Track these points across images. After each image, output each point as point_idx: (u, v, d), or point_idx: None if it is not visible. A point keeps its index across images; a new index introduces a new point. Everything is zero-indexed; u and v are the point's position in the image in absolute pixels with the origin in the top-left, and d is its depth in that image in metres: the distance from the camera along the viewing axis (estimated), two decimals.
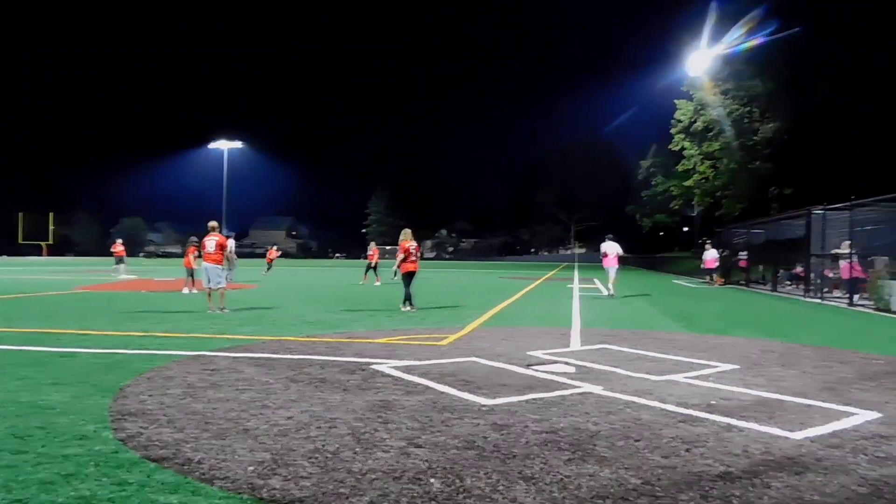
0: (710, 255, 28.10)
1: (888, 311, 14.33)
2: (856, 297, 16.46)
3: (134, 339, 8.61)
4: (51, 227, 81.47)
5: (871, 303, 15.58)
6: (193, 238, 17.30)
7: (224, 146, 68.86)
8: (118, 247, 28.56)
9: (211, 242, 12.22)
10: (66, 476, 3.39)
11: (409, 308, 13.28)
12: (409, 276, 13.52)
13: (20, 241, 78.57)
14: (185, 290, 17.34)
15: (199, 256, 13.97)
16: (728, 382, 6.15)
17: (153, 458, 3.69)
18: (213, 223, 12.59)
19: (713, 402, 5.29)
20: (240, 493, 3.20)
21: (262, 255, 40.68)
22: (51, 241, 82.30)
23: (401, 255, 13.51)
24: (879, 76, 31.57)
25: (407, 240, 13.62)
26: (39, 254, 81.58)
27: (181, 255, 21.05)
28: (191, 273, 17.65)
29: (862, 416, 4.90)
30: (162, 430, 4.26)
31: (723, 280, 28.35)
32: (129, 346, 7.95)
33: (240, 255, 27.65)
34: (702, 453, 3.93)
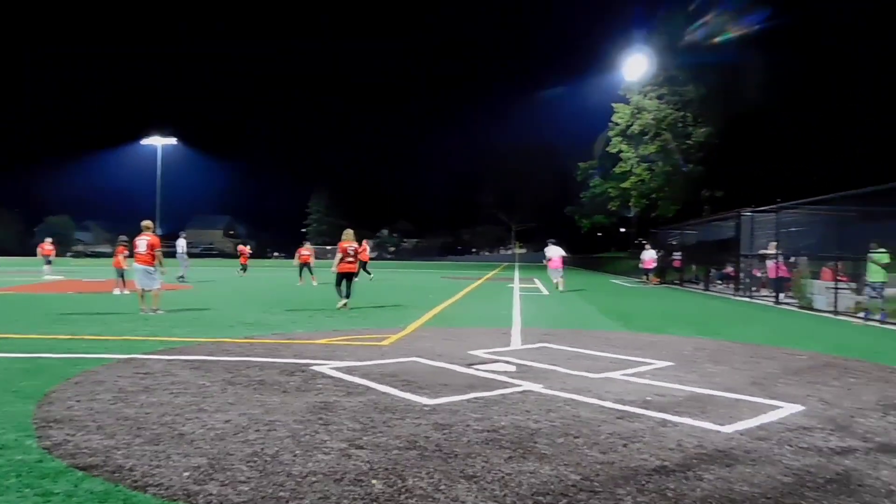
0: (649, 256, 28.89)
1: (810, 308, 15.04)
2: (781, 295, 17.22)
3: (60, 342, 8.24)
4: None
5: (796, 301, 16.33)
6: (123, 238, 16.68)
7: (158, 142, 66.67)
8: (47, 246, 27.38)
9: (142, 243, 11.78)
10: None
11: (342, 303, 13.26)
12: (344, 276, 13.52)
13: None
14: (116, 292, 16.72)
15: (130, 256, 13.47)
16: (663, 379, 6.33)
17: (81, 467, 3.54)
18: (146, 222, 12.15)
19: (649, 399, 5.44)
20: (175, 500, 3.10)
21: (198, 256, 39.56)
22: None
23: (339, 255, 13.53)
24: (799, 80, 33.14)
25: (346, 240, 13.67)
26: None
27: (111, 255, 20.25)
28: (121, 274, 17.03)
29: (787, 409, 5.13)
30: (91, 437, 4.08)
31: (658, 280, 29.10)
32: (54, 349, 7.60)
33: (189, 255, 26.87)
34: (638, 448, 4.04)
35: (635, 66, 40.56)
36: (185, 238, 25.99)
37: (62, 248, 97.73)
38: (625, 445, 4.10)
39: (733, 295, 20.71)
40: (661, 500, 3.18)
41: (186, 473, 3.46)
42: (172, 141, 67.52)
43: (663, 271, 29.72)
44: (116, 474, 3.44)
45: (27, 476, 3.40)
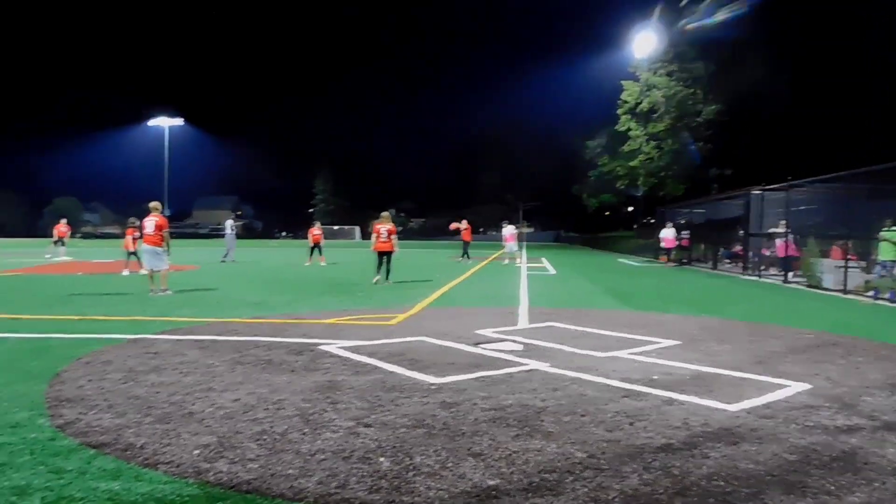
0: (669, 234, 26.49)
1: (819, 287, 14.99)
2: (790, 274, 17.15)
3: (69, 323, 8.31)
4: None
5: (804, 280, 16.27)
6: (133, 220, 16.77)
7: (165, 123, 66.64)
8: (62, 227, 27.44)
9: (150, 223, 11.84)
10: None
11: (376, 279, 14.80)
12: (382, 255, 14.96)
13: None
14: (125, 272, 16.82)
15: (141, 238, 13.51)
16: (669, 358, 6.34)
17: (93, 445, 3.59)
18: (154, 203, 12.20)
19: (655, 377, 5.45)
20: (185, 478, 3.14)
21: (206, 236, 39.60)
22: None
23: (374, 236, 15.11)
24: (807, 53, 32.69)
25: (380, 222, 15.22)
26: None
27: (119, 237, 20.35)
28: (131, 255, 17.14)
29: (793, 388, 5.13)
30: (102, 416, 4.14)
31: (669, 260, 27.62)
32: (64, 330, 7.67)
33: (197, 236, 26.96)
34: (644, 426, 4.05)
35: (644, 42, 40.04)
36: (232, 220, 25.97)
37: (71, 229, 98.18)
38: (631, 424, 4.12)
39: (741, 274, 20.65)
40: (666, 478, 3.20)
41: (196, 451, 3.50)
42: (179, 121, 67.51)
43: (670, 251, 29.53)
44: (128, 452, 3.48)
45: (40, 454, 3.45)
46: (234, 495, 2.96)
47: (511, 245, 26.80)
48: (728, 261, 24.01)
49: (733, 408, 4.52)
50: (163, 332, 7.53)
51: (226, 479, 3.14)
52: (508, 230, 26.89)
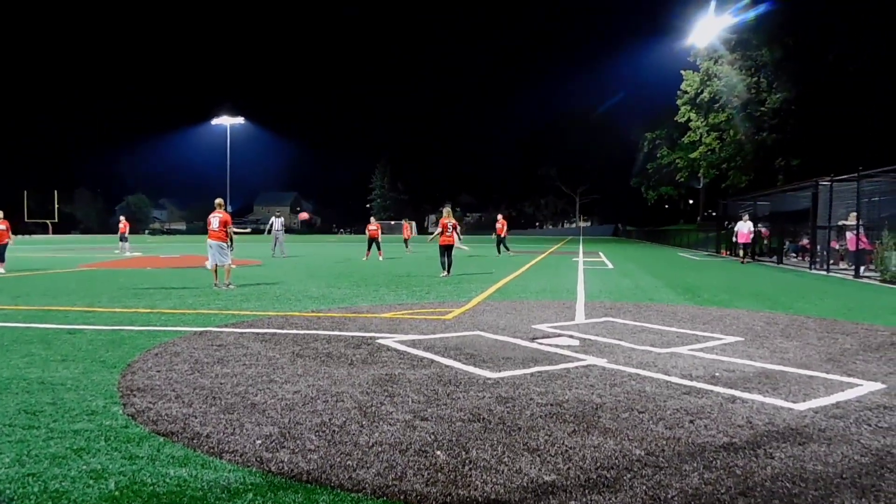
0: (746, 228, 23.69)
1: (894, 282, 14.30)
2: (862, 268, 16.42)
3: (140, 315, 8.66)
4: (56, 206, 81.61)
5: (878, 274, 15.55)
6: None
7: (227, 122, 68.60)
8: (123, 223, 29.57)
9: (215, 220, 12.21)
10: (77, 450, 3.44)
11: (444, 274, 15.28)
12: (445, 249, 15.53)
13: (26, 219, 78.80)
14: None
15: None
16: (732, 354, 6.17)
17: (162, 433, 3.74)
18: (218, 200, 12.57)
19: (717, 374, 5.32)
20: (248, 466, 3.24)
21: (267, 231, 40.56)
22: (56, 220, 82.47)
23: (438, 230, 15.80)
24: (887, 35, 31.05)
25: (446, 217, 15.85)
26: (45, 232, 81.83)
27: (185, 232, 21.06)
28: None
29: (865, 387, 4.92)
30: (170, 405, 4.30)
31: (747, 257, 24.43)
32: (134, 322, 8.00)
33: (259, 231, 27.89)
34: (705, 425, 3.96)
35: (705, 31, 38.90)
36: (278, 217, 26.71)
37: (140, 225, 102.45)
38: (691, 421, 4.03)
39: (809, 268, 19.89)
40: (728, 478, 3.13)
41: (259, 441, 3.61)
42: (241, 120, 69.35)
43: (734, 244, 28.57)
44: (194, 441, 3.61)
45: (114, 440, 3.61)
46: (294, 484, 3.04)
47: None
48: (794, 255, 23.15)
49: (801, 407, 4.37)
50: (227, 325, 7.77)
51: (287, 468, 3.22)
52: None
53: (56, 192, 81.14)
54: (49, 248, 34.96)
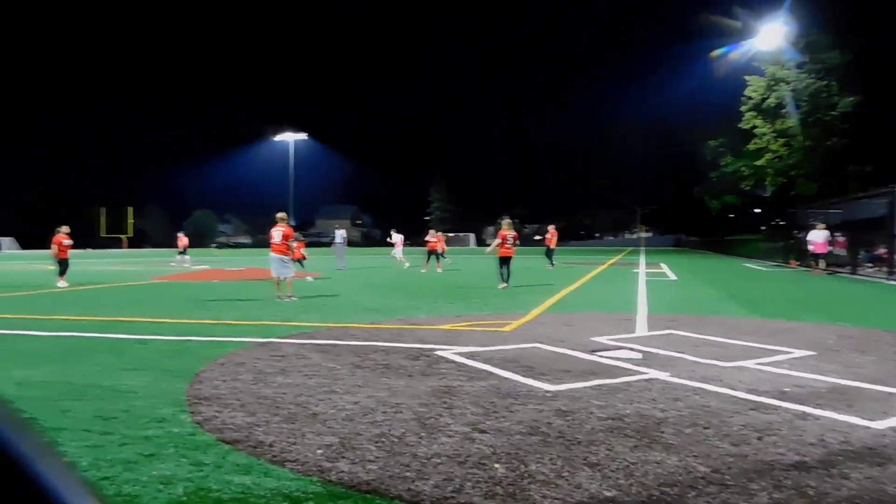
0: (822, 237, 21.96)
1: None
2: None
3: (205, 326, 8.94)
4: (129, 221, 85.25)
5: None
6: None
7: (290, 138, 70.38)
8: (182, 238, 31.69)
9: (277, 233, 12.49)
10: (147, 456, 3.57)
11: (503, 285, 15.27)
12: (504, 260, 15.55)
13: (102, 234, 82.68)
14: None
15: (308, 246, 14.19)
16: (802, 369, 5.93)
17: (227, 441, 3.84)
18: (281, 214, 12.86)
19: (786, 390, 5.12)
20: (309, 476, 3.30)
21: (328, 244, 41.27)
22: (129, 234, 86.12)
23: (498, 241, 15.70)
24: None
25: (506, 228, 15.76)
26: (119, 246, 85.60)
27: (250, 245, 21.72)
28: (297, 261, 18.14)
29: None
30: (235, 414, 4.42)
31: (824, 268, 22.44)
32: (200, 333, 8.26)
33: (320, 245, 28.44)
34: (774, 442, 3.82)
35: (770, 34, 37.71)
36: (339, 229, 27.25)
37: (206, 239, 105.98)
38: (759, 438, 3.89)
39: (887, 279, 18.95)
40: (800, 498, 3.00)
41: (319, 451, 3.67)
42: (303, 136, 71.04)
43: (803, 254, 27.44)
44: (258, 449, 3.70)
45: (182, 447, 3.74)
46: (354, 494, 3.07)
47: (398, 251, 27.35)
48: (870, 264, 22.09)
49: (878, 425, 4.16)
50: (289, 337, 7.94)
51: (346, 478, 3.26)
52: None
53: (130, 208, 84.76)
54: (123, 262, 36.51)
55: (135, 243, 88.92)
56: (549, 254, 25.83)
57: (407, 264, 25.69)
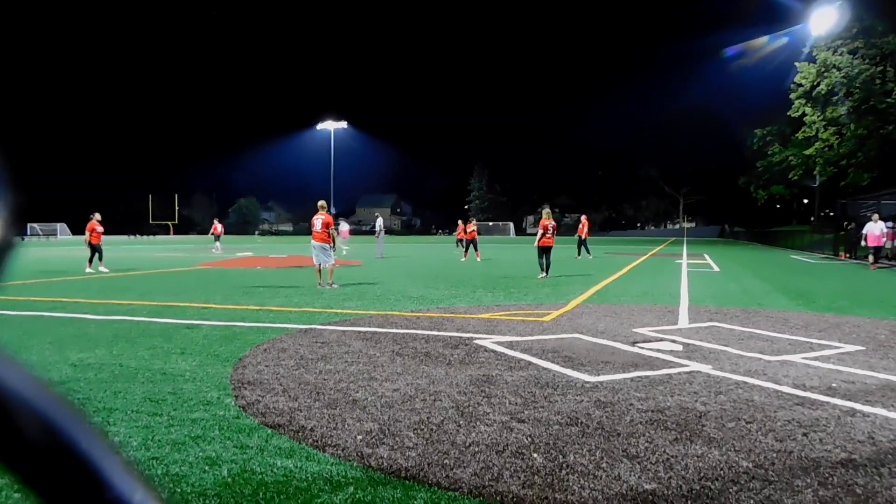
0: (878, 229, 20.86)
1: None
2: None
3: (250, 312, 9.12)
4: (176, 209, 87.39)
5: None
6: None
7: (330, 126, 71.01)
8: (218, 226, 32.98)
9: (318, 221, 12.61)
10: (194, 438, 3.68)
11: (543, 275, 15.23)
12: (544, 250, 15.44)
13: (150, 221, 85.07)
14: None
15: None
16: (851, 364, 5.78)
17: (270, 425, 3.93)
18: (321, 202, 12.99)
19: (834, 385, 5.00)
20: (349, 461, 3.35)
21: (370, 232, 41.62)
22: (176, 222, 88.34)
23: (540, 231, 15.60)
24: None
25: (546, 218, 15.72)
26: (167, 233, 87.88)
27: (292, 233, 22.06)
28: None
29: None
30: (277, 399, 4.51)
31: (871, 259, 21.55)
32: (245, 319, 8.44)
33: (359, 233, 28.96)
34: (821, 438, 3.74)
35: (822, 19, 36.47)
36: (377, 217, 27.55)
37: (250, 227, 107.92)
38: (805, 434, 3.81)
39: None
40: (847, 496, 2.93)
41: (360, 437, 3.73)
42: (344, 125, 71.59)
43: (855, 247, 26.60)
44: (299, 433, 3.78)
45: (227, 430, 3.84)
46: (393, 480, 3.12)
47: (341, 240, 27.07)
48: None
49: None
50: (330, 323, 8.05)
51: (386, 464, 3.31)
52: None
53: (177, 196, 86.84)
54: (170, 248, 37.42)
55: (182, 230, 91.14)
56: (582, 243, 25.59)
57: (345, 250, 26.26)
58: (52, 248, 36.08)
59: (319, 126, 72.75)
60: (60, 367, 5.48)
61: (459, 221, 28.95)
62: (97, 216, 17.46)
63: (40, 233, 70.06)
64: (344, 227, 28.89)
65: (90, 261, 17.18)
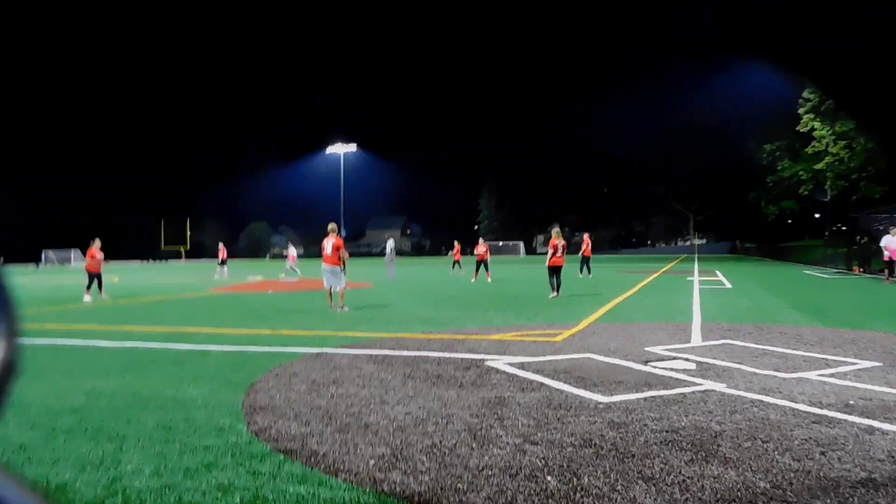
0: (894, 243, 20.18)
1: None
2: None
3: (261, 337, 9.14)
4: (188, 233, 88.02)
5: None
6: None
7: (340, 150, 71.58)
8: (223, 249, 32.81)
9: (328, 244, 12.64)
10: (206, 465, 3.67)
11: (554, 295, 15.15)
12: (554, 270, 15.38)
13: (162, 246, 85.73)
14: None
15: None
16: (868, 381, 5.70)
17: (282, 450, 3.92)
18: (332, 225, 13.03)
19: (851, 402, 4.93)
20: (362, 486, 3.34)
21: (380, 255, 41.79)
22: (188, 247, 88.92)
23: (550, 251, 15.54)
24: None
25: (554, 237, 15.63)
26: (179, 257, 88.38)
27: (303, 256, 22.18)
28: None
29: None
30: (289, 424, 4.51)
31: (887, 273, 20.89)
32: (257, 343, 8.45)
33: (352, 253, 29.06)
34: (839, 457, 3.68)
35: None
36: (389, 239, 27.76)
37: (261, 251, 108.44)
38: (823, 453, 3.76)
39: None
40: None
41: (372, 461, 3.71)
42: (353, 148, 72.14)
43: (869, 261, 26.39)
44: (312, 459, 3.77)
45: (240, 456, 3.83)
46: None
47: (291, 264, 29.70)
48: None
49: None
50: (341, 347, 8.05)
51: (399, 489, 3.29)
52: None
53: (189, 220, 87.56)
54: (182, 274, 37.62)
55: (193, 254, 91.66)
56: (583, 262, 25.42)
57: (298, 275, 27.41)
58: (67, 275, 36.37)
59: (329, 149, 73.36)
60: (74, 396, 5.50)
61: (455, 242, 29.15)
62: (97, 243, 17.09)
63: (55, 260, 70.69)
64: (292, 250, 30.99)
65: (88, 287, 16.66)
